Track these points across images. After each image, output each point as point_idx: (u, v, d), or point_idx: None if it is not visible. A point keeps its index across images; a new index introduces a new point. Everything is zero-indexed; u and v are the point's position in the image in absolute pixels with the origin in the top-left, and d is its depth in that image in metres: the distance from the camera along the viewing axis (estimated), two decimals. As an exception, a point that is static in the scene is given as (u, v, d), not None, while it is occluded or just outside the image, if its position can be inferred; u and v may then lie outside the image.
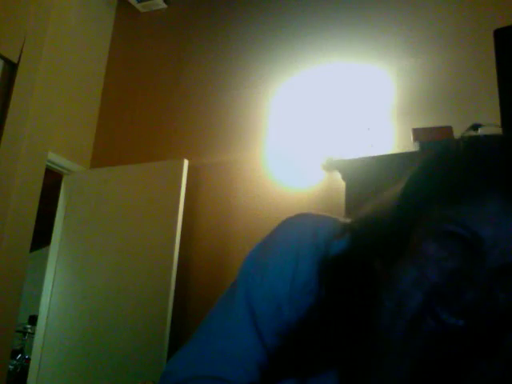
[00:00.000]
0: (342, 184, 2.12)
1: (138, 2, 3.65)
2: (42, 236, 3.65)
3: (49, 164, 2.98)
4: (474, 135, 0.62)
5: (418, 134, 2.14)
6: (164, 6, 3.66)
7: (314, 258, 0.64)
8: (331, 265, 0.63)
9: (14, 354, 4.31)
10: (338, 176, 2.19)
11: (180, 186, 2.93)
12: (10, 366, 4.24)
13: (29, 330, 4.68)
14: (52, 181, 3.22)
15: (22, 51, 2.09)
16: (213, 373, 0.66)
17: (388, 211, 0.62)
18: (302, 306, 0.63)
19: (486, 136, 0.61)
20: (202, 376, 0.66)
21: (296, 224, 0.69)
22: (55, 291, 3.21)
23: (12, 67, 2.09)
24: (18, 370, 4.44)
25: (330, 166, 2.42)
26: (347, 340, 0.59)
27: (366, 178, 2.05)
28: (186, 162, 3.00)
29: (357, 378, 0.58)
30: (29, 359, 3.76)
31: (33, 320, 4.36)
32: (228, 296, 0.70)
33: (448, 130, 2.11)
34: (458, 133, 2.28)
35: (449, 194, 0.55)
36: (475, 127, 0.66)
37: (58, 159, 3.24)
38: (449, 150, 0.62)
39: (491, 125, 0.63)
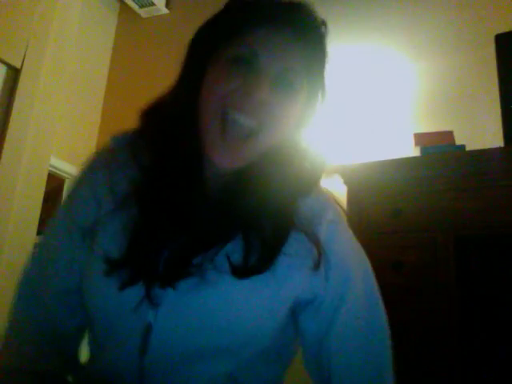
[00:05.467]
0: (344, 188, 2.12)
1: (140, 7, 3.66)
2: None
3: (51, 169, 2.98)
4: None
5: (419, 138, 2.14)
6: (166, 11, 3.68)
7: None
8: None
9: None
10: (339, 180, 2.19)
11: (182, 191, 2.93)
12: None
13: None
14: (54, 185, 3.23)
15: (24, 57, 2.10)
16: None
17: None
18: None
19: None
20: None
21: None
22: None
23: (15, 72, 2.10)
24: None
25: (331, 171, 2.43)
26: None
27: (367, 183, 2.05)
28: (187, 167, 3.00)
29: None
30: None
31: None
32: None
33: (449, 134, 2.11)
34: (459, 137, 2.29)
35: (231, 30, 0.72)
36: None
37: (60, 164, 3.25)
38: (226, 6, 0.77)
39: None
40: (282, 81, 0.70)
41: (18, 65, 2.09)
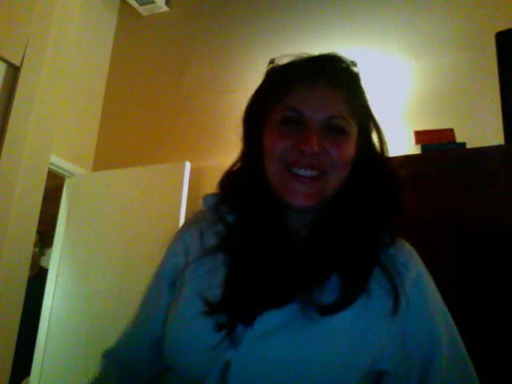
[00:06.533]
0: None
1: (140, 5, 3.66)
2: (44, 238, 3.65)
3: (51, 167, 2.98)
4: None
5: (419, 136, 2.13)
6: (166, 8, 3.67)
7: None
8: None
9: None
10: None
11: (182, 189, 2.93)
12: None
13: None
14: (54, 184, 3.23)
15: (24, 54, 2.10)
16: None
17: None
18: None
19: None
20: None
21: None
22: (57, 294, 3.21)
23: (15, 70, 2.10)
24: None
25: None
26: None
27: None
28: (187, 165, 3.00)
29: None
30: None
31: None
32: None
33: (450, 132, 2.11)
34: (459, 135, 2.28)
35: (275, 96, 0.81)
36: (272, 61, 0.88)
37: (60, 162, 3.25)
38: (267, 75, 0.88)
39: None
40: (330, 128, 0.77)
41: (17, 63, 2.09)
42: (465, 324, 1.72)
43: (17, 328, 2.03)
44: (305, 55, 0.83)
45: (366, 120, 0.84)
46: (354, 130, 0.80)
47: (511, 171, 1.80)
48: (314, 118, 0.77)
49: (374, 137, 0.86)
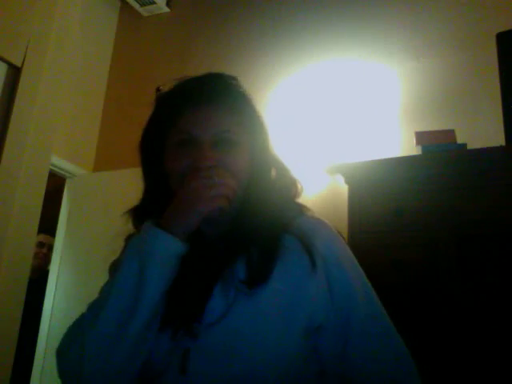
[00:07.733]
0: (345, 187, 2.12)
1: (141, 5, 3.66)
2: (45, 239, 3.64)
3: (52, 167, 2.98)
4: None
5: (420, 137, 2.13)
6: (166, 9, 3.68)
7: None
8: None
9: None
10: (340, 179, 2.19)
11: (183, 190, 2.93)
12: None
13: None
14: (55, 184, 3.23)
15: (25, 55, 2.10)
16: None
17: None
18: None
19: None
20: None
21: None
22: (58, 295, 3.21)
23: (16, 71, 2.10)
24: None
25: (333, 170, 2.43)
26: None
27: (368, 182, 2.05)
28: (188, 166, 3.00)
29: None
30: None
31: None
32: None
33: (451, 133, 2.11)
34: (460, 136, 2.28)
35: (167, 122, 0.89)
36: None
37: (61, 163, 3.25)
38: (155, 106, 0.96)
39: None
40: (220, 143, 0.85)
41: (18, 63, 2.09)
42: (466, 322, 1.72)
43: (17, 329, 2.03)
44: (188, 78, 0.92)
45: (256, 128, 0.92)
46: (244, 139, 0.88)
47: (511, 172, 1.80)
48: (203, 137, 0.85)
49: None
